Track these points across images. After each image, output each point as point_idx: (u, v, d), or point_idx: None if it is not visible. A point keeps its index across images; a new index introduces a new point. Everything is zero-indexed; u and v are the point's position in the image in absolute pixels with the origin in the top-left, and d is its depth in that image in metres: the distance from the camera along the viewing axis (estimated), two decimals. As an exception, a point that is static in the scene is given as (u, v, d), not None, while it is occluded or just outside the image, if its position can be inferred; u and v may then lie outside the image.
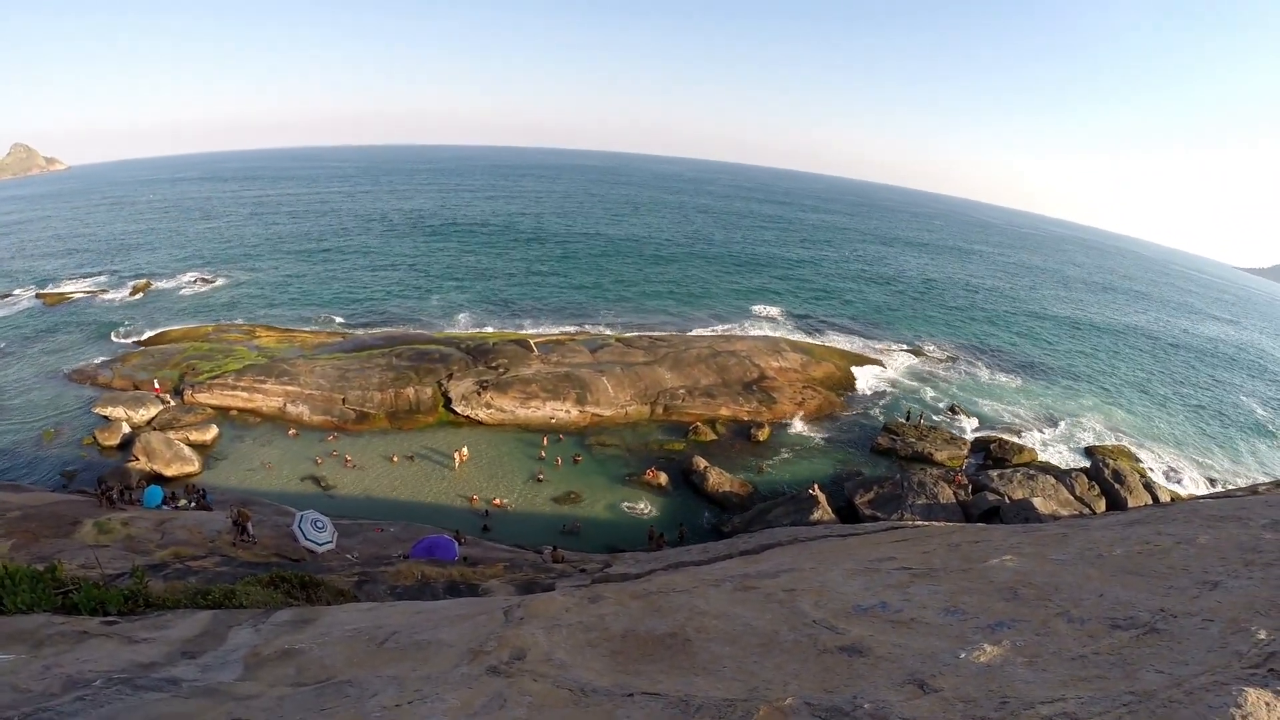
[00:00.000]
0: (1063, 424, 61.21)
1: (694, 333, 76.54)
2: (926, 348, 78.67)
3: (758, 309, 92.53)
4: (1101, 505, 42.58)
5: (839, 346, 75.32)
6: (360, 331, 74.32)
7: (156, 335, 73.13)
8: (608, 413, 54.36)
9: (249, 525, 31.58)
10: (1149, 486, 45.62)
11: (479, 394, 54.04)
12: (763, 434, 52.57)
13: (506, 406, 53.42)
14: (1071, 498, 42.73)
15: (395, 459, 48.19)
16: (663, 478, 46.17)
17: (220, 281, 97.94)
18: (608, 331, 75.49)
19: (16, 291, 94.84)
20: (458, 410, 53.49)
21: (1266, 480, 51.48)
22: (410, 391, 55.10)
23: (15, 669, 7.78)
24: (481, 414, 53.14)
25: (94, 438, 50.70)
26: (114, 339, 72.90)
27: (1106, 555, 7.12)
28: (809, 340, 76.52)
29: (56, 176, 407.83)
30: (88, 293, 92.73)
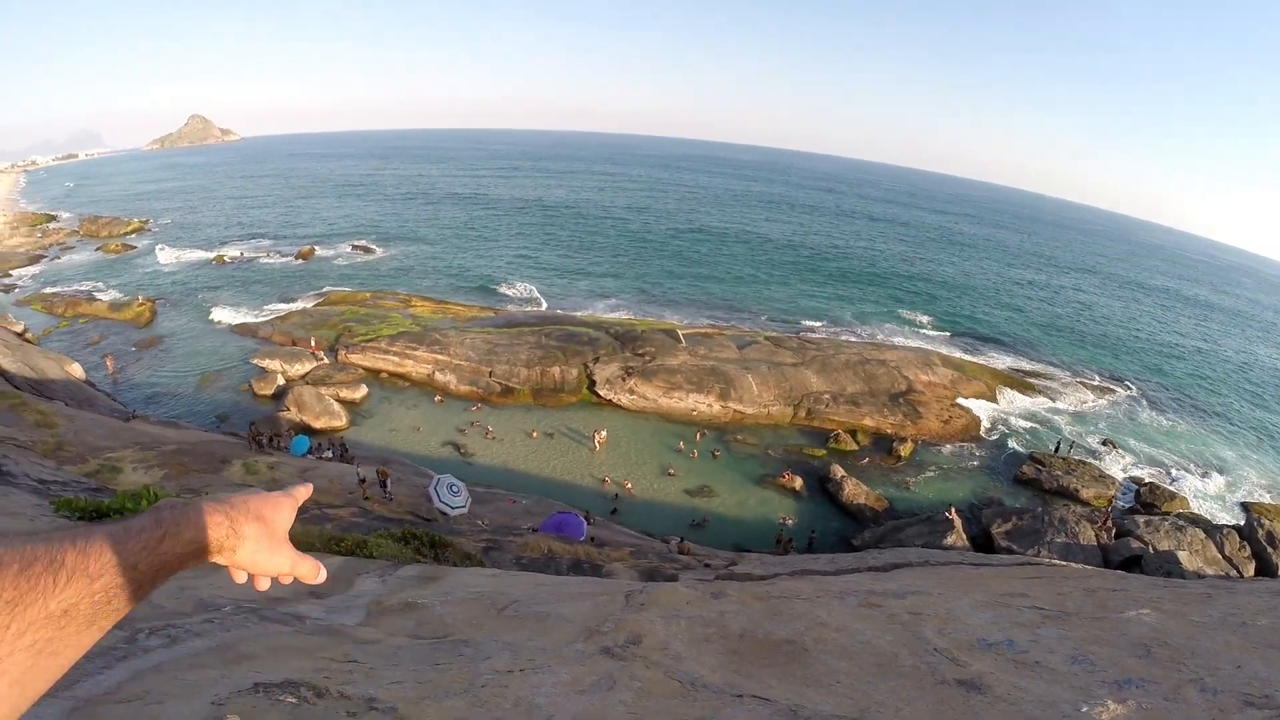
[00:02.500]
0: (1222, 475, 57.63)
1: (844, 338, 75.36)
2: (1085, 376, 75.49)
3: (908, 316, 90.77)
4: (1251, 569, 40.22)
5: (992, 365, 73.16)
6: (512, 308, 75.77)
7: (318, 297, 76.10)
8: (750, 411, 54.07)
9: (388, 482, 32.58)
10: (1305, 554, 43.10)
11: (624, 379, 54.44)
12: (905, 449, 51.38)
13: (649, 394, 53.68)
14: (1219, 556, 40.50)
15: (534, 434, 48.98)
16: (798, 482, 45.65)
17: (380, 253, 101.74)
18: (757, 328, 75.17)
19: (191, 249, 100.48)
20: (601, 393, 54.01)
21: None
22: (556, 370, 55.87)
23: (150, 586, 8.22)
24: (624, 399, 53.53)
25: (250, 386, 53.34)
26: (277, 297, 76.22)
27: (1250, 624, 6.77)
28: (961, 356, 74.53)
29: (230, 146, 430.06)
30: (255, 255, 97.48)
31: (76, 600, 1.17)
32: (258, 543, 1.55)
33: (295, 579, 1.69)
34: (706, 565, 23.39)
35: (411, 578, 10.62)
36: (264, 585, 1.66)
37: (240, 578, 1.62)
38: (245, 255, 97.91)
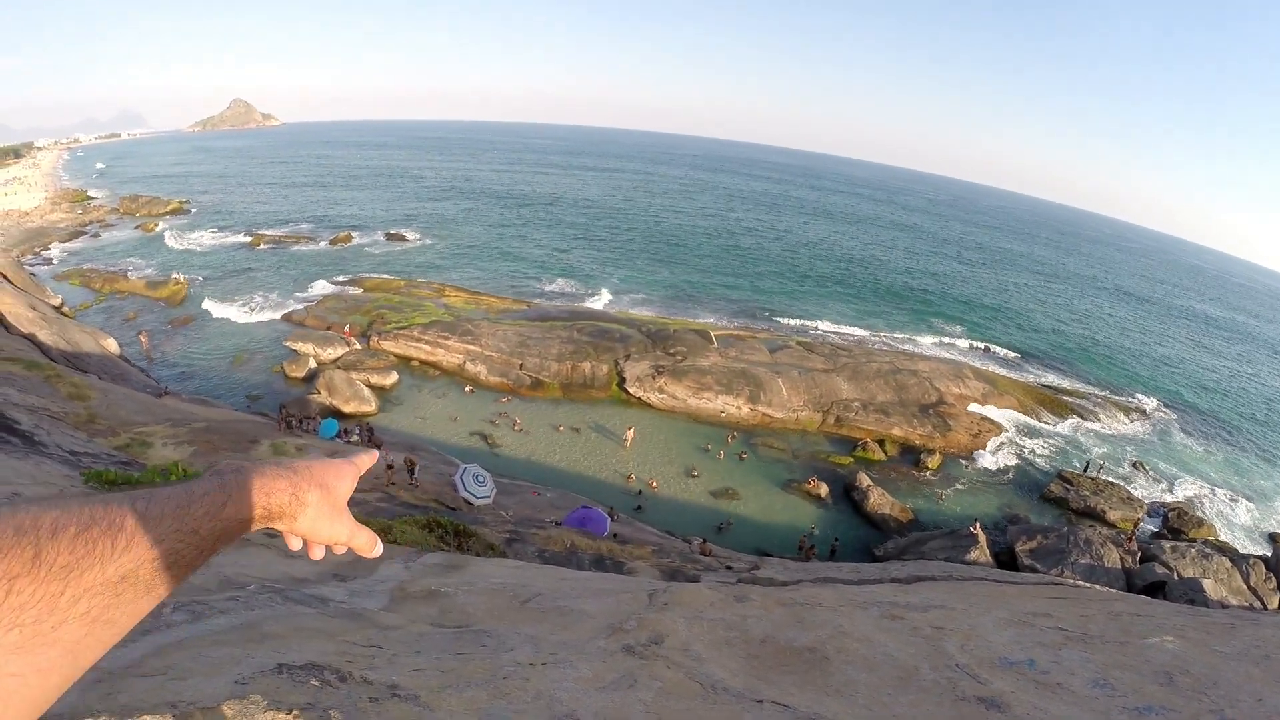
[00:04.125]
0: (1252, 504, 56.95)
1: (876, 346, 75.10)
2: (1118, 397, 74.91)
3: (942, 327, 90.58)
4: (1276, 601, 39.74)
5: (1024, 381, 72.72)
6: (544, 302, 76.04)
7: (351, 283, 76.75)
8: (778, 415, 54.02)
9: (415, 469, 32.79)
10: (1332, 589, 42.48)
11: (654, 378, 54.52)
12: (932, 461, 51.23)
13: (679, 394, 53.74)
14: (1244, 586, 39.97)
15: (562, 428, 49.19)
16: (823, 489, 45.54)
17: (415, 242, 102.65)
18: (789, 333, 75.12)
19: (227, 229, 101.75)
20: (630, 391, 54.13)
21: None
22: (587, 366, 56.08)
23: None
24: (653, 398, 53.62)
25: (282, 368, 54.05)
26: (313, 281, 77.05)
27: (1273, 657, 6.70)
28: (994, 369, 74.16)
29: (271, 131, 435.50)
30: (292, 237, 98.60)
31: (135, 566, 1.13)
32: (319, 510, 1.53)
33: (351, 549, 1.66)
34: (729, 568, 23.39)
35: (435, 565, 10.69)
36: (319, 554, 1.65)
37: (296, 544, 1.61)
38: (282, 239, 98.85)
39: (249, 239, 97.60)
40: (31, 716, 0.96)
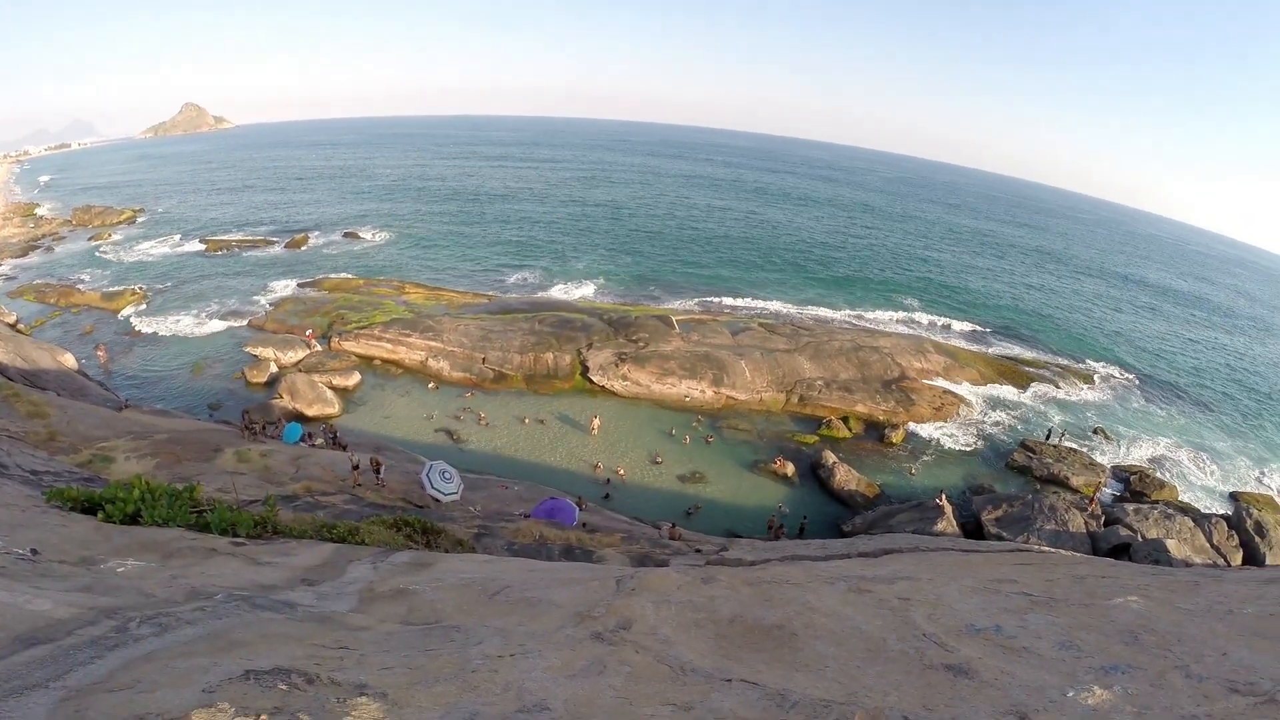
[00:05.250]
0: (1212, 465, 58.01)
1: (838, 325, 75.43)
2: (1078, 366, 75.81)
3: (903, 303, 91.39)
4: (1238, 558, 40.39)
5: (985, 353, 73.36)
6: (505, 294, 75.81)
7: (310, 284, 76.16)
8: (742, 397, 54.22)
9: (381, 469, 32.63)
10: (1291, 544, 43.24)
11: (617, 365, 54.54)
12: (896, 436, 51.69)
13: (643, 380, 53.78)
14: (1207, 545, 40.68)
15: (527, 420, 49.14)
16: (790, 468, 45.81)
17: (373, 240, 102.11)
18: (751, 314, 75.33)
19: (182, 236, 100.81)
20: (594, 379, 54.11)
21: None
22: (549, 357, 55.99)
23: (144, 575, 8.27)
24: (617, 385, 53.62)
25: (243, 374, 53.63)
26: (271, 285, 76.36)
27: (1237, 612, 6.80)
28: (955, 343, 74.77)
29: (224, 134, 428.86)
30: (248, 241, 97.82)
31: None
32: None
33: None
34: (697, 551, 23.48)
35: (403, 564, 10.68)
36: None
37: None
38: (237, 243, 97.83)
39: (204, 245, 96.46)
40: None
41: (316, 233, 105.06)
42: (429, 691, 4.84)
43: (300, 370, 53.27)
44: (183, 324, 65.44)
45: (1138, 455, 56.72)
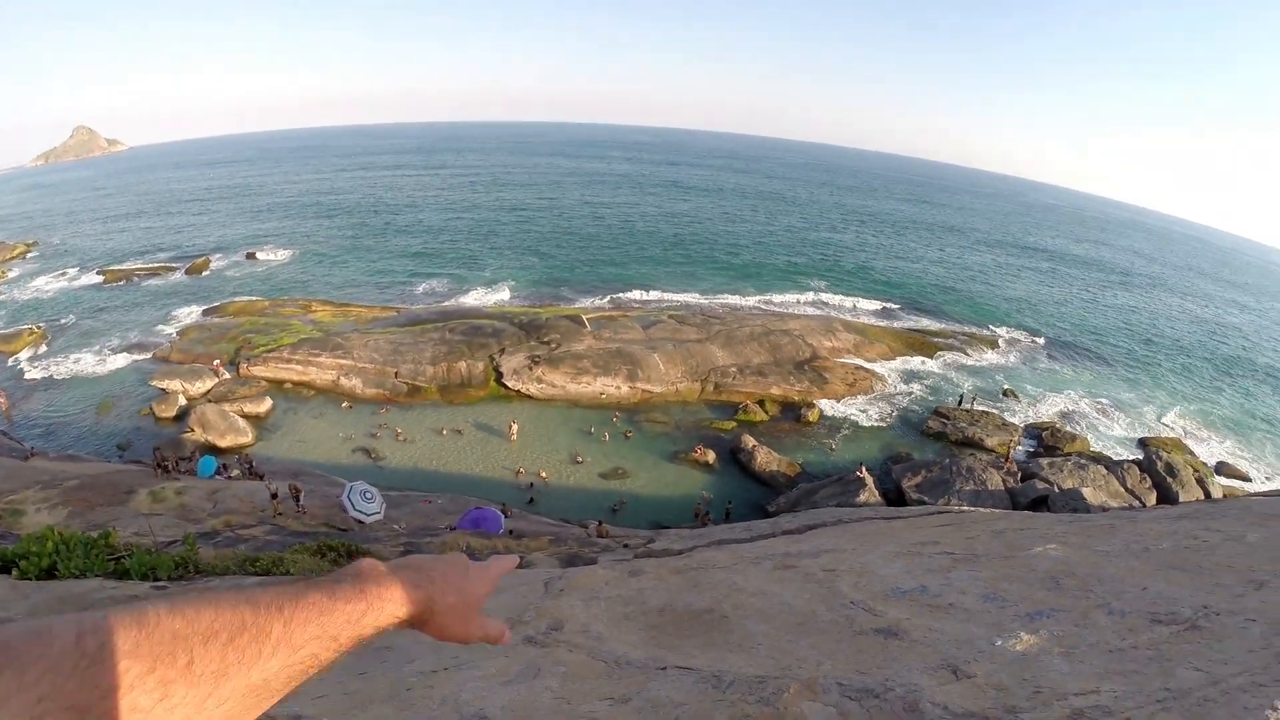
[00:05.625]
0: (1119, 413, 60.23)
1: (747, 311, 76.07)
2: (984, 333, 77.69)
3: (810, 285, 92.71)
4: (1152, 499, 41.78)
5: (893, 327, 74.66)
6: (414, 306, 74.92)
7: (214, 310, 74.21)
8: (658, 390, 54.34)
9: (300, 496, 32.09)
10: (1201, 481, 44.62)
11: (530, 369, 54.28)
12: (813, 414, 52.26)
13: (558, 381, 53.59)
14: (1122, 489, 42.01)
15: (445, 431, 48.59)
16: (711, 456, 46.05)
17: (276, 259, 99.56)
18: (661, 307, 75.57)
19: (78, 269, 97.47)
20: (509, 385, 53.75)
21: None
22: (462, 365, 55.46)
23: (66, 629, 7.97)
24: (532, 388, 53.37)
25: (151, 409, 51.74)
26: (173, 314, 74.13)
27: (1152, 549, 7.00)
28: (863, 321, 75.98)
29: (118, 157, 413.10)
30: (148, 269, 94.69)
31: (277, 671, 1.15)
32: (451, 616, 1.54)
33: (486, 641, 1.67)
34: (625, 545, 23.47)
35: (330, 588, 10.48)
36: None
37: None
38: (136, 272, 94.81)
39: (102, 277, 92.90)
40: None
41: (218, 255, 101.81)
42: (365, 715, 4.85)
43: (210, 400, 51.65)
44: (84, 362, 62.94)
45: (1047, 412, 58.35)
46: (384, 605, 1.38)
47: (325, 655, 1.25)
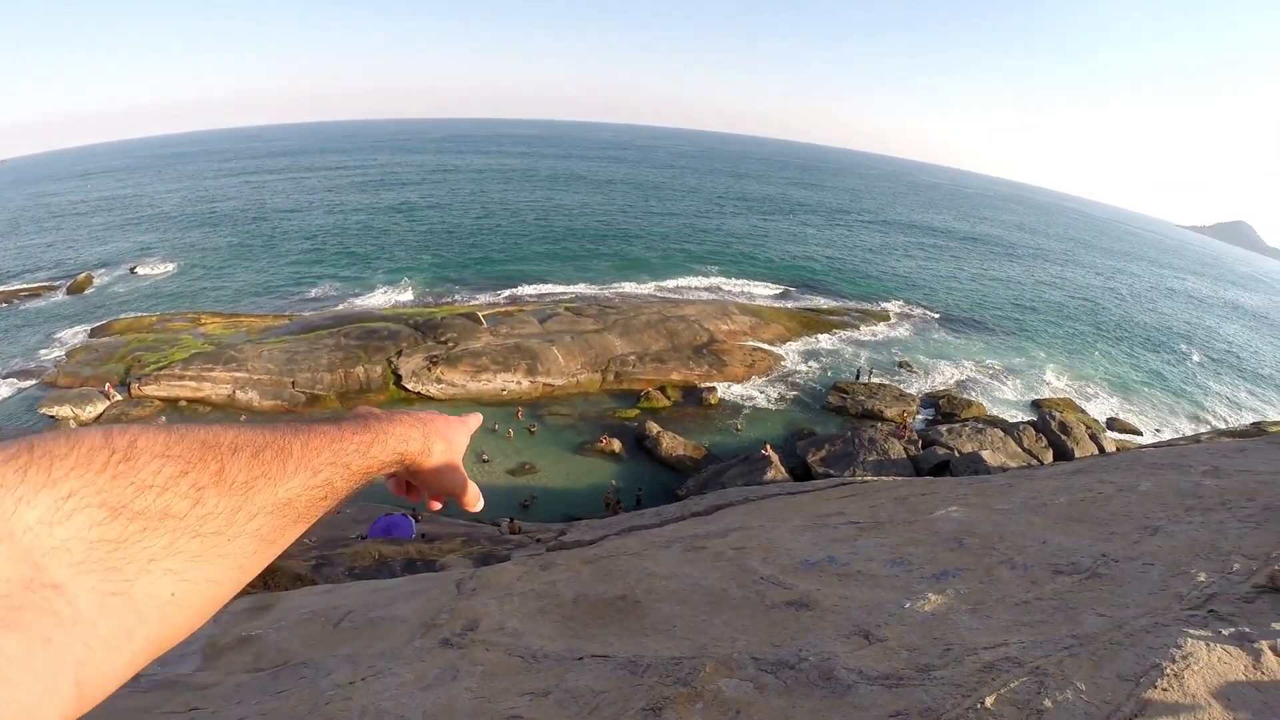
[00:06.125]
0: (1012, 378, 62.33)
1: (642, 299, 76.42)
2: (876, 308, 79.40)
3: (702, 270, 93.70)
4: (1049, 456, 43.13)
5: (787, 308, 75.71)
6: (307, 313, 73.53)
7: (100, 329, 71.63)
8: (559, 382, 54.25)
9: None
10: (1094, 437, 46.17)
11: (429, 369, 53.78)
12: (714, 397, 52.73)
13: (457, 381, 53.18)
14: (1020, 450, 43.28)
15: (346, 439, 47.93)
16: (617, 445, 46.15)
17: (163, 271, 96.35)
18: (557, 300, 75.49)
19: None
20: (409, 387, 53.17)
21: (1210, 429, 52.70)
22: (360, 370, 54.66)
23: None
24: (432, 389, 52.89)
25: (41, 440, 49.82)
26: (57, 336, 71.34)
27: (1050, 503, 7.21)
28: (758, 303, 76.88)
29: None
30: (28, 290, 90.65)
31: (299, 492, 1.15)
32: (443, 459, 1.60)
33: (462, 503, 1.76)
34: (538, 540, 23.50)
35: (243, 610, 10.24)
36: (438, 505, 1.76)
37: (416, 496, 1.71)
38: (12, 294, 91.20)
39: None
40: (194, 626, 0.99)
41: (100, 271, 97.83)
42: None
43: (102, 425, 50.31)
44: None
45: (943, 381, 59.97)
46: (387, 440, 1.41)
47: (340, 484, 1.26)
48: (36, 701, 0.75)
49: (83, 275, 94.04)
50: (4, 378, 61.05)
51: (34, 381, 59.48)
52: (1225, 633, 3.84)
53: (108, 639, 0.84)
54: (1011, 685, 3.73)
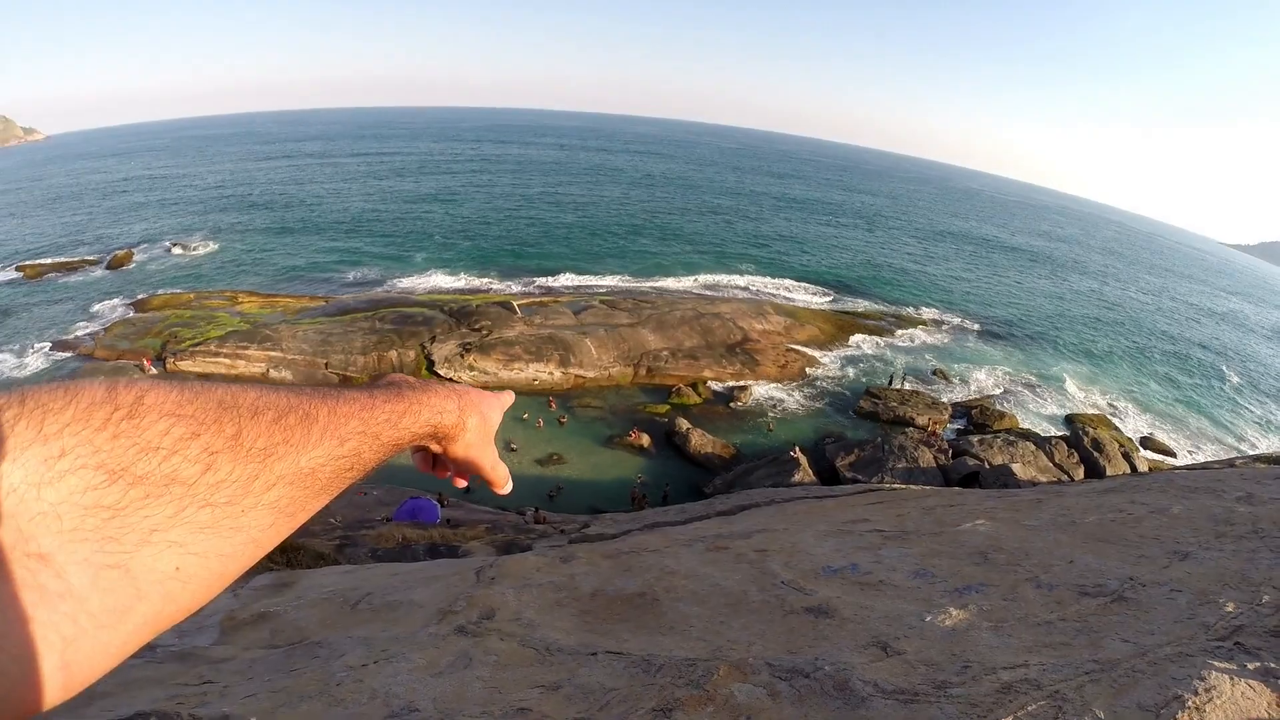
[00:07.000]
0: (1046, 391, 61.56)
1: (678, 294, 76.30)
2: (913, 314, 78.81)
3: (740, 269, 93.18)
4: (1080, 473, 42.65)
5: (824, 310, 75.35)
6: (343, 295, 73.90)
7: (139, 304, 72.37)
8: (591, 375, 54.27)
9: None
10: (1127, 455, 45.67)
11: (462, 356, 53.93)
12: (745, 396, 52.51)
13: (489, 369, 53.31)
14: (1050, 464, 42.86)
15: (378, 422, 48.15)
16: (645, 439, 46.12)
17: (202, 250, 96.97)
18: (592, 293, 75.47)
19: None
20: (440, 373, 53.24)
21: (1245, 454, 51.96)
22: (393, 354, 54.90)
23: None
24: (464, 376, 52.98)
25: (77, 410, 50.39)
26: (96, 309, 72.04)
27: (1079, 522, 7.11)
28: (794, 303, 76.55)
29: (35, 147, 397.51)
30: (70, 264, 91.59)
31: (324, 462, 1.07)
32: (476, 435, 1.52)
33: (491, 482, 1.68)
34: (561, 531, 23.49)
35: (264, 587, 10.30)
36: (463, 483, 1.67)
37: (442, 472, 1.63)
38: (55, 267, 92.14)
39: (20, 273, 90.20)
40: (201, 604, 0.92)
41: (141, 248, 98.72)
42: (294, 711, 4.75)
43: (138, 399, 50.76)
44: (5, 363, 60.42)
45: (976, 390, 59.49)
46: (420, 410, 1.34)
47: (368, 454, 1.18)
48: (14, 684, 0.69)
49: (123, 251, 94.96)
50: (45, 350, 61.67)
51: (71, 353, 60.06)
52: (1250, 666, 3.76)
53: (100, 617, 0.77)
54: (1029, 709, 3.66)
